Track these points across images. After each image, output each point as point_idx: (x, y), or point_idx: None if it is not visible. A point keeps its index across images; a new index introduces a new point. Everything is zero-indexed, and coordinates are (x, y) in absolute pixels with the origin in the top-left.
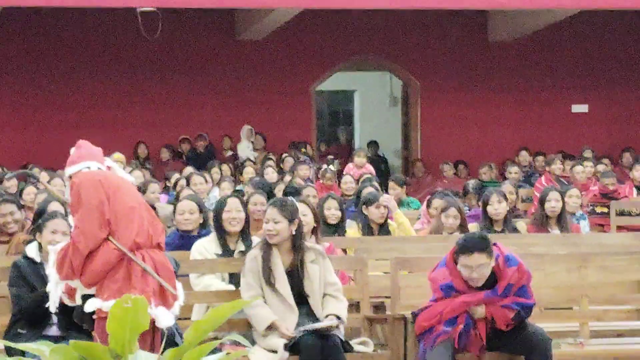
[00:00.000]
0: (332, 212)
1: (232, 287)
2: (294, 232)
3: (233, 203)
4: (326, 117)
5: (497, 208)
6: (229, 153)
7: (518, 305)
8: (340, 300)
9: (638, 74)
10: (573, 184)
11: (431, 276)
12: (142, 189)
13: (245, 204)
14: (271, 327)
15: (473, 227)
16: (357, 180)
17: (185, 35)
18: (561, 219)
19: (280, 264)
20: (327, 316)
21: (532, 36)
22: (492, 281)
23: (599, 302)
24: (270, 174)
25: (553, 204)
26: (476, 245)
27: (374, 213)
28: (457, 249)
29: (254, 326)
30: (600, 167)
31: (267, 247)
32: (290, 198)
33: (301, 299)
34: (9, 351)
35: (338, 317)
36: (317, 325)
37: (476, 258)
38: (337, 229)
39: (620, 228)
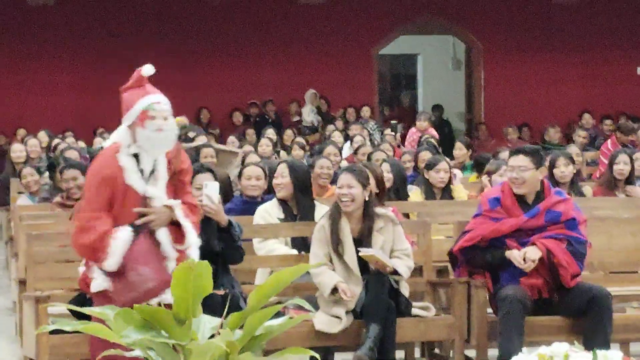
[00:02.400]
0: (388, 177)
1: (295, 252)
2: (367, 198)
3: (279, 169)
4: (389, 81)
5: (564, 171)
6: (296, 118)
7: (563, 236)
8: (402, 259)
9: None
10: (639, 148)
11: (483, 193)
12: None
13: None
14: (336, 290)
15: None
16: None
17: (247, 0)
18: (630, 182)
19: (349, 233)
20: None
21: None
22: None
23: None
24: (336, 139)
25: (622, 166)
26: (524, 148)
27: (434, 177)
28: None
29: (320, 292)
30: None
31: (336, 215)
32: (361, 164)
33: (366, 268)
34: (76, 315)
35: (396, 272)
36: (373, 252)
37: (520, 159)
38: (398, 193)
39: None
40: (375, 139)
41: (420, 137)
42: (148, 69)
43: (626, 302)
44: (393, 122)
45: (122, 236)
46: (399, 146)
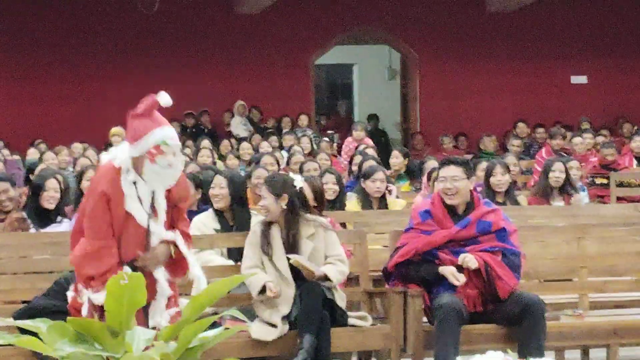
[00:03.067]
0: (329, 187)
1: (231, 262)
2: (284, 207)
3: (216, 180)
4: (325, 90)
5: (501, 180)
6: (229, 129)
7: (499, 249)
8: (335, 265)
9: (636, 43)
10: (573, 156)
11: (414, 206)
12: None
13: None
14: (264, 291)
15: None
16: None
17: (183, 10)
18: (564, 190)
19: (278, 238)
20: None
21: (530, 7)
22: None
23: (598, 274)
24: (266, 148)
25: (557, 174)
26: (455, 159)
27: (370, 187)
28: (438, 165)
29: (252, 293)
30: (600, 139)
31: (268, 221)
32: (283, 173)
33: (300, 275)
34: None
35: (327, 277)
36: (299, 259)
37: (452, 169)
38: (335, 203)
39: (620, 199)
40: (312, 149)
41: (357, 147)
42: (164, 99)
43: (560, 310)
44: (330, 132)
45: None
46: (335, 156)
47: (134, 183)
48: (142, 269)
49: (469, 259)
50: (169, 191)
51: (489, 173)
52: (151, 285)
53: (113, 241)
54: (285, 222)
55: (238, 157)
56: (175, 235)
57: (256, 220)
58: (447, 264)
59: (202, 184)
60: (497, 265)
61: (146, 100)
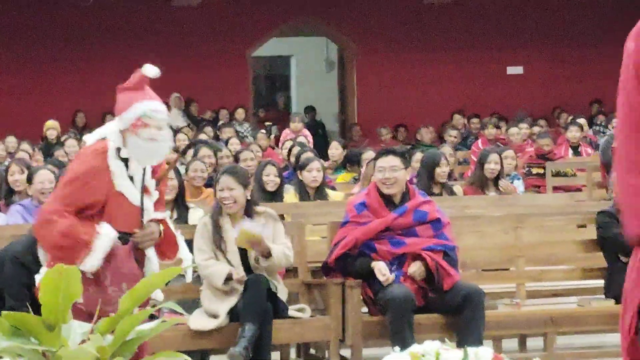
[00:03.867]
0: (270, 179)
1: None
2: (248, 197)
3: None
4: (263, 82)
5: (445, 170)
6: None
7: (441, 247)
8: (282, 248)
9: (571, 34)
10: (509, 146)
11: (349, 199)
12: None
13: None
14: (229, 280)
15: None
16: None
17: (119, 1)
18: (499, 181)
19: (231, 231)
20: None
21: None
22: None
23: (536, 263)
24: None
25: (492, 165)
26: (393, 149)
27: (307, 177)
28: (375, 155)
29: (212, 282)
30: (536, 129)
31: (217, 214)
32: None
33: (249, 269)
34: None
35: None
36: (247, 228)
37: (390, 159)
38: (276, 196)
39: (556, 189)
40: (248, 141)
41: (295, 139)
42: (150, 70)
43: (498, 300)
44: (268, 123)
45: (107, 233)
46: (273, 147)
47: (126, 161)
48: (137, 245)
49: (413, 270)
50: (154, 171)
51: (434, 163)
52: (142, 263)
53: (72, 212)
54: (245, 212)
55: (177, 150)
56: (164, 215)
57: (194, 214)
58: (385, 256)
59: None
60: (445, 264)
61: (134, 74)
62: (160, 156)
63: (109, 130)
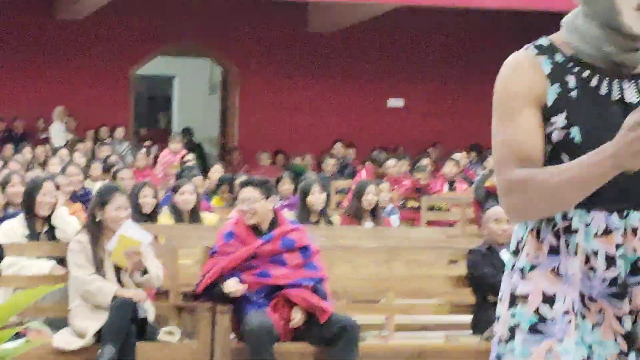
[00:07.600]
0: (147, 201)
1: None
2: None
3: (49, 186)
4: (146, 102)
5: (319, 198)
6: (45, 135)
7: (311, 281)
8: (157, 267)
9: (452, 70)
10: (386, 178)
11: (219, 229)
12: None
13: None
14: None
15: (289, 215)
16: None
17: (2, 13)
18: (375, 212)
19: (107, 250)
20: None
21: (350, 29)
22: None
23: (406, 295)
24: (77, 160)
25: (370, 197)
26: (252, 180)
27: (179, 200)
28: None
29: (96, 301)
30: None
31: (95, 232)
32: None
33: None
34: None
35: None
36: (127, 234)
37: (248, 191)
38: (152, 217)
39: (430, 223)
40: (126, 161)
41: (182, 159)
42: None
43: (367, 331)
44: (147, 143)
45: None
46: (151, 167)
47: None
48: None
49: (295, 317)
50: None
51: (306, 191)
52: None
53: None
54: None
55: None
56: None
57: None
58: (252, 286)
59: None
60: (318, 300)
61: None
62: None
63: None
